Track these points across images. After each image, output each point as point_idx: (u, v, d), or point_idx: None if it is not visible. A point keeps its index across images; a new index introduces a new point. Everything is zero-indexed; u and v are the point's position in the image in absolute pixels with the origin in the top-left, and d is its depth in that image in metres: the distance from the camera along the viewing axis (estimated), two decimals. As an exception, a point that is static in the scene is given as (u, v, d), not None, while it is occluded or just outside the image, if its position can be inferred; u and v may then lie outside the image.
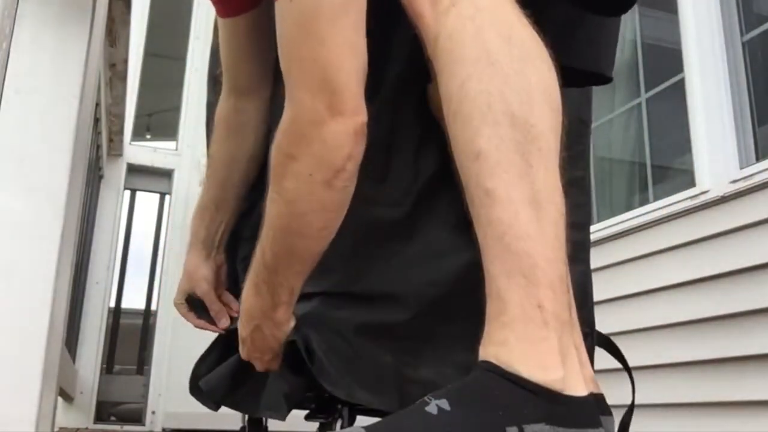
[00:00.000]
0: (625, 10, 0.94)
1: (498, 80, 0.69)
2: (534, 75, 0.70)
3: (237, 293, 1.28)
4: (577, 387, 0.64)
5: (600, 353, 1.10)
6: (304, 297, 0.99)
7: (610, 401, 0.72)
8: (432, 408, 0.63)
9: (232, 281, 1.34)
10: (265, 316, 0.90)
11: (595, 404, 0.66)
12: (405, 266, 0.96)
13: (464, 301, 0.90)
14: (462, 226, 0.95)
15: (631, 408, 0.95)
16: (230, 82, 1.11)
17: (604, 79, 1.01)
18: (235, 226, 1.37)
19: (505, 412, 0.61)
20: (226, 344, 1.25)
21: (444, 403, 0.63)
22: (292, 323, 0.93)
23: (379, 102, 0.92)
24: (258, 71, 1.08)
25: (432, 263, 0.96)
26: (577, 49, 0.81)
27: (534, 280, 0.64)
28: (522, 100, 0.68)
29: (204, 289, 1.12)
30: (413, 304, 0.94)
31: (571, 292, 0.76)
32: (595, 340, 1.08)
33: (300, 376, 0.97)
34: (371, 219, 0.97)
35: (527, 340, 0.64)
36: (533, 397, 0.62)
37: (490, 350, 0.65)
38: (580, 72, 0.93)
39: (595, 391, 0.68)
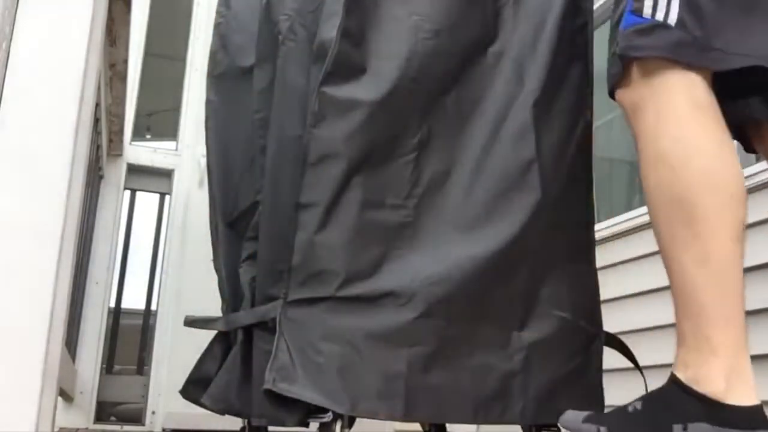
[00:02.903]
0: None
1: (665, 172, 1.00)
2: (697, 166, 0.98)
3: (238, 296, 1.27)
4: (743, 398, 0.88)
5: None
6: (305, 302, 0.99)
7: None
8: (631, 407, 0.90)
9: (232, 284, 1.34)
10: None
11: (761, 413, 0.88)
12: (410, 266, 0.96)
13: (473, 301, 0.90)
14: (468, 226, 0.95)
15: None
16: None
17: None
18: (235, 227, 1.36)
19: (675, 412, 0.85)
20: (225, 344, 1.25)
21: (638, 404, 0.91)
22: None
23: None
24: None
25: (437, 263, 0.96)
26: None
27: (703, 319, 0.96)
28: (687, 188, 0.97)
29: None
30: (420, 302, 0.94)
31: (744, 324, 1.03)
32: (603, 339, 1.08)
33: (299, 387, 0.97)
34: (375, 221, 0.97)
35: (696, 364, 0.93)
36: (698, 403, 0.87)
37: (678, 368, 0.94)
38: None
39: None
